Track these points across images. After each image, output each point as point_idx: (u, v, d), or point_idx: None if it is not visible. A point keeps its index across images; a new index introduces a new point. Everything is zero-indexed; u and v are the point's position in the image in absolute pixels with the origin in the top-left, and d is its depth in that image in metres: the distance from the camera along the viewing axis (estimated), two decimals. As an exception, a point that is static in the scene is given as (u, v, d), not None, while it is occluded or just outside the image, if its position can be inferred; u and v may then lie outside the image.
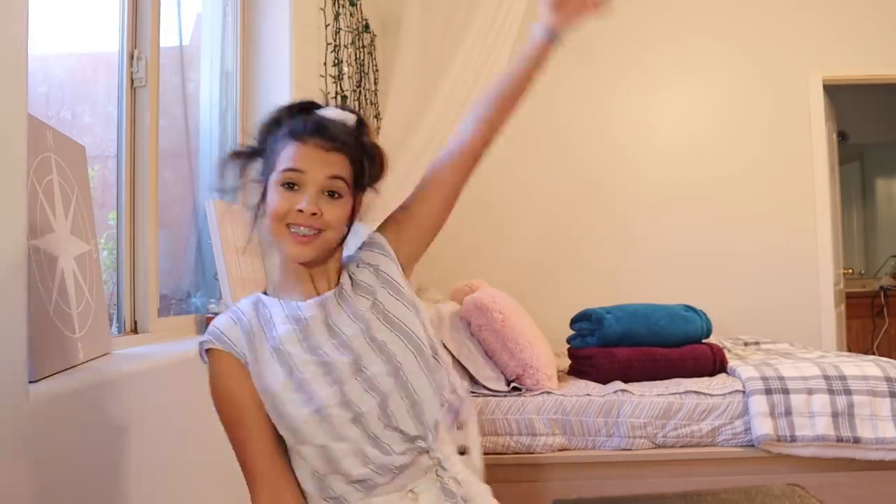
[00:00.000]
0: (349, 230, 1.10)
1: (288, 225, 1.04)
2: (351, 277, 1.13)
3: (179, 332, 1.79)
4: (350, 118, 1.11)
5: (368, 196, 1.15)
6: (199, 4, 2.14)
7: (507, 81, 1.16)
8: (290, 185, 1.04)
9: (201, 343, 1.07)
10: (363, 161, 1.10)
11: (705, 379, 2.49)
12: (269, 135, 1.10)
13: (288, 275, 1.11)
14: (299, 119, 1.08)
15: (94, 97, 1.67)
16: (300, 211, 1.02)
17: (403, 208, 1.16)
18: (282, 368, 1.02)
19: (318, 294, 1.09)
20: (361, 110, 3.21)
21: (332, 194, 1.05)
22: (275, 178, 1.05)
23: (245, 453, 1.02)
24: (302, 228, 1.03)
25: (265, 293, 1.12)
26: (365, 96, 3.32)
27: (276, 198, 1.04)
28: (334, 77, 2.70)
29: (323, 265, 1.11)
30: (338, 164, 1.06)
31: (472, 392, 2.57)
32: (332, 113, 1.10)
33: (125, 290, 1.58)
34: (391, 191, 2.87)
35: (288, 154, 1.05)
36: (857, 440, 2.26)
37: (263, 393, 1.02)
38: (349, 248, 1.17)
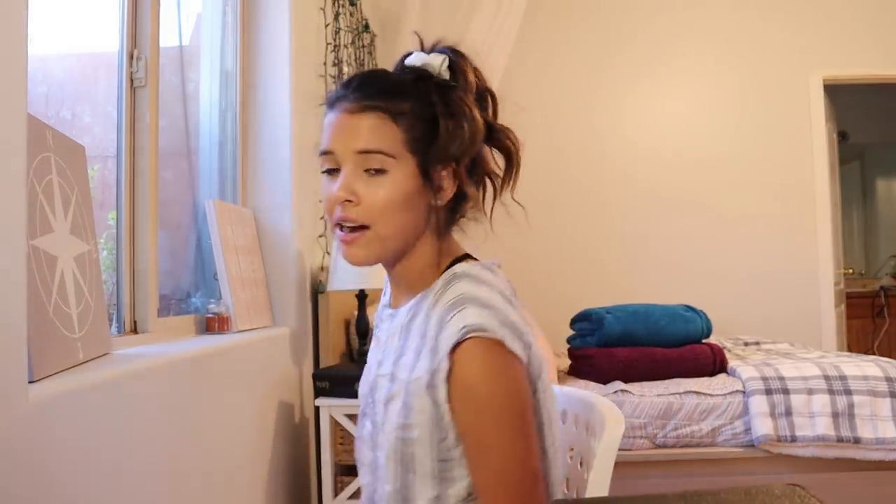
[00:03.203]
0: (438, 223, 0.89)
1: (338, 224, 0.87)
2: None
3: (179, 332, 1.79)
4: (435, 60, 0.88)
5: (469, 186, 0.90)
6: (199, 4, 2.14)
7: None
8: (329, 172, 0.87)
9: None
10: (438, 120, 0.86)
11: (705, 379, 2.49)
12: None
13: None
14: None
15: (93, 97, 1.66)
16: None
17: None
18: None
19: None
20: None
21: (373, 172, 0.84)
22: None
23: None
24: (346, 222, 0.85)
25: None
26: (365, 96, 3.31)
27: (322, 190, 0.89)
28: (334, 77, 2.70)
29: (399, 270, 0.91)
30: (371, 129, 0.84)
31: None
32: (411, 58, 0.89)
33: (125, 290, 1.58)
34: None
35: (323, 132, 0.88)
36: (857, 440, 2.26)
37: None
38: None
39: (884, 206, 5.91)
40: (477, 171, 0.92)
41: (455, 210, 0.93)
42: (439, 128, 0.86)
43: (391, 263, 0.92)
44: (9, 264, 0.89)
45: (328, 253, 2.51)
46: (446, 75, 0.89)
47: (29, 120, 0.98)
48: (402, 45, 3.21)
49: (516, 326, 0.83)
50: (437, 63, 0.88)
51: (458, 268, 0.90)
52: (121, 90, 1.61)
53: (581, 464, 1.13)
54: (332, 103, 0.88)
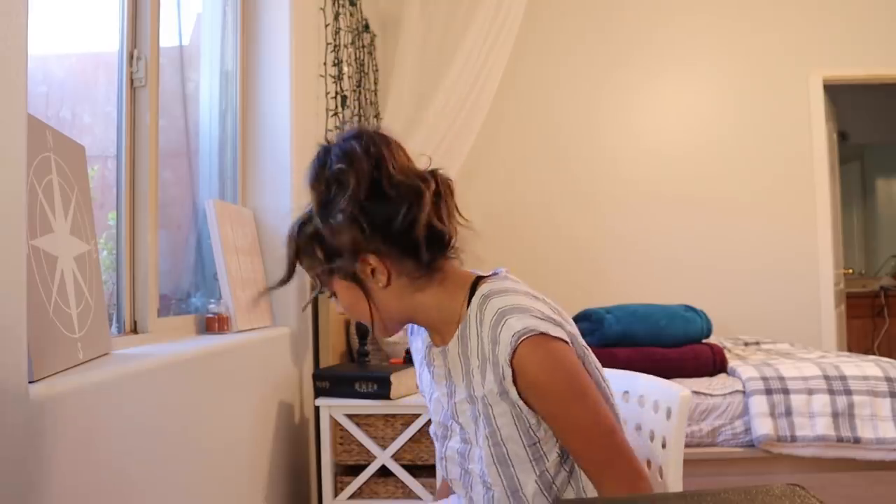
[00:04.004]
0: (411, 282, 1.03)
1: None
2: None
3: (179, 332, 1.79)
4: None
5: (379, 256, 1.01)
6: (199, 4, 2.14)
7: None
8: None
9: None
10: (316, 246, 1.02)
11: (705, 379, 2.49)
12: None
13: None
14: None
15: (94, 97, 1.67)
16: None
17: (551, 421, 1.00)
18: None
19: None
20: (361, 110, 3.22)
21: (331, 296, 1.08)
22: None
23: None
24: None
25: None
26: (365, 96, 3.31)
27: None
28: (334, 77, 2.70)
29: (421, 323, 1.10)
30: (308, 272, 1.07)
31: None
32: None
33: (125, 290, 1.58)
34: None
35: None
36: (857, 440, 2.26)
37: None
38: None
39: (884, 206, 5.91)
40: (408, 232, 0.99)
41: (428, 258, 1.01)
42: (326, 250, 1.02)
43: (413, 322, 1.10)
44: (9, 264, 0.89)
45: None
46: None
47: (29, 120, 0.98)
48: (402, 45, 3.21)
49: (550, 316, 0.98)
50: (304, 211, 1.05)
51: (483, 289, 1.03)
52: (121, 90, 1.61)
53: (652, 438, 1.25)
54: None
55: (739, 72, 4.12)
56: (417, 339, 1.18)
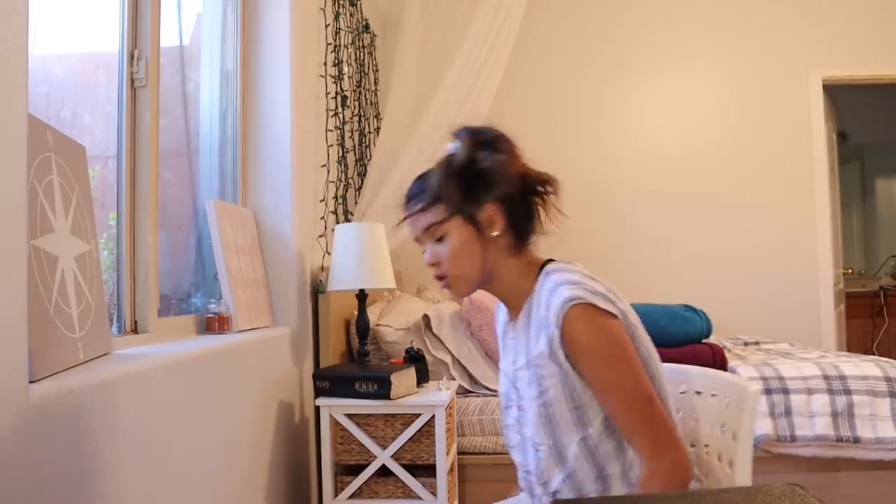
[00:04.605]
0: (509, 246, 1.17)
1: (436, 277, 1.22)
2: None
3: (179, 332, 1.79)
4: (454, 145, 1.17)
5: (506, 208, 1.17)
6: (199, 4, 2.14)
7: None
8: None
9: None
10: (459, 189, 1.15)
11: (705, 379, 2.49)
12: None
13: None
14: None
15: (94, 97, 1.67)
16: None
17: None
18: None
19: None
20: (361, 110, 3.22)
21: (439, 239, 1.18)
22: None
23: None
24: (437, 278, 1.20)
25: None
26: (365, 96, 3.32)
27: None
28: (334, 77, 2.70)
29: (499, 291, 1.21)
30: (419, 221, 1.19)
31: (472, 392, 2.57)
32: (449, 147, 1.20)
33: (125, 290, 1.59)
34: (390, 191, 2.88)
35: None
36: (856, 440, 2.26)
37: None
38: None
39: (884, 206, 5.91)
40: (523, 203, 1.19)
41: (523, 232, 1.19)
42: (466, 185, 1.15)
43: (488, 288, 1.21)
44: (9, 264, 0.89)
45: (328, 253, 2.51)
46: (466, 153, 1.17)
47: (29, 120, 0.98)
48: (402, 45, 3.21)
49: (602, 293, 1.09)
50: (456, 146, 1.18)
51: (548, 267, 1.18)
52: (121, 90, 1.61)
53: (722, 431, 1.27)
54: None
55: (739, 72, 4.12)
56: (500, 314, 1.31)
